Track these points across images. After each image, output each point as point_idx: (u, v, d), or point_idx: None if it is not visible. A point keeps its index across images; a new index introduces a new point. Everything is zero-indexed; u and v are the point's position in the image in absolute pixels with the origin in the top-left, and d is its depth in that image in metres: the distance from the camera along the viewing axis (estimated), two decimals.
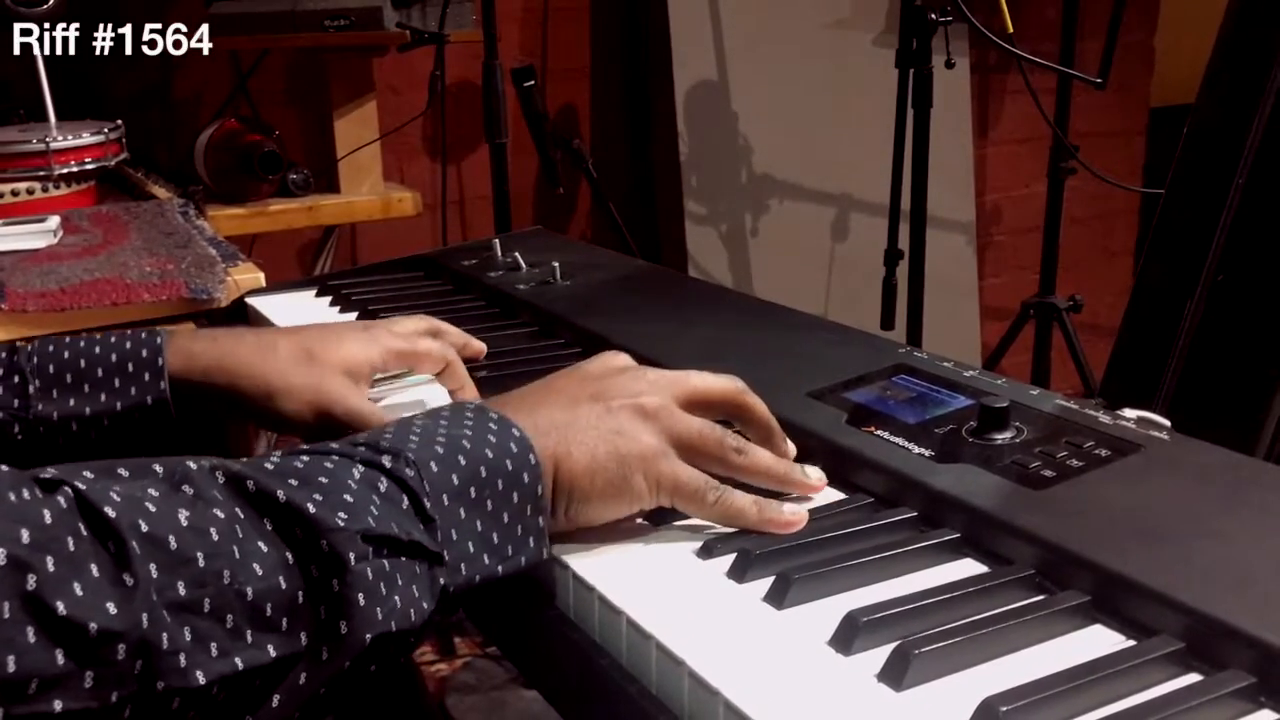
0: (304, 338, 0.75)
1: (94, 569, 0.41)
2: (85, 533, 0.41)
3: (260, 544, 0.45)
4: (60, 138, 1.44)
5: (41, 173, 1.42)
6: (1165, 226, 0.74)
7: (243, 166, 1.63)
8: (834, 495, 0.64)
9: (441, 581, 0.49)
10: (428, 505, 0.49)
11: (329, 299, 1.08)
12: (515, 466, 0.53)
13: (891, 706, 0.45)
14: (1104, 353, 1.00)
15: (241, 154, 1.62)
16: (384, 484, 0.49)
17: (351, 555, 0.46)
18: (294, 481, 0.47)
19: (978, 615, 0.49)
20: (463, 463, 0.52)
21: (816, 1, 2.43)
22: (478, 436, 0.53)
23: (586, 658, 0.53)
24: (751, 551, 0.55)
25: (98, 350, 0.73)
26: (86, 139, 1.46)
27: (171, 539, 0.43)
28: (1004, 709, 0.42)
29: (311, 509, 0.46)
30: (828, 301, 2.52)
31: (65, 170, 1.44)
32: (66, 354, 0.72)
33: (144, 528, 0.42)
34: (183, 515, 0.44)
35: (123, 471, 0.45)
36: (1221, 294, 0.68)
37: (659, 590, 0.53)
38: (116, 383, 0.72)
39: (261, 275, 1.15)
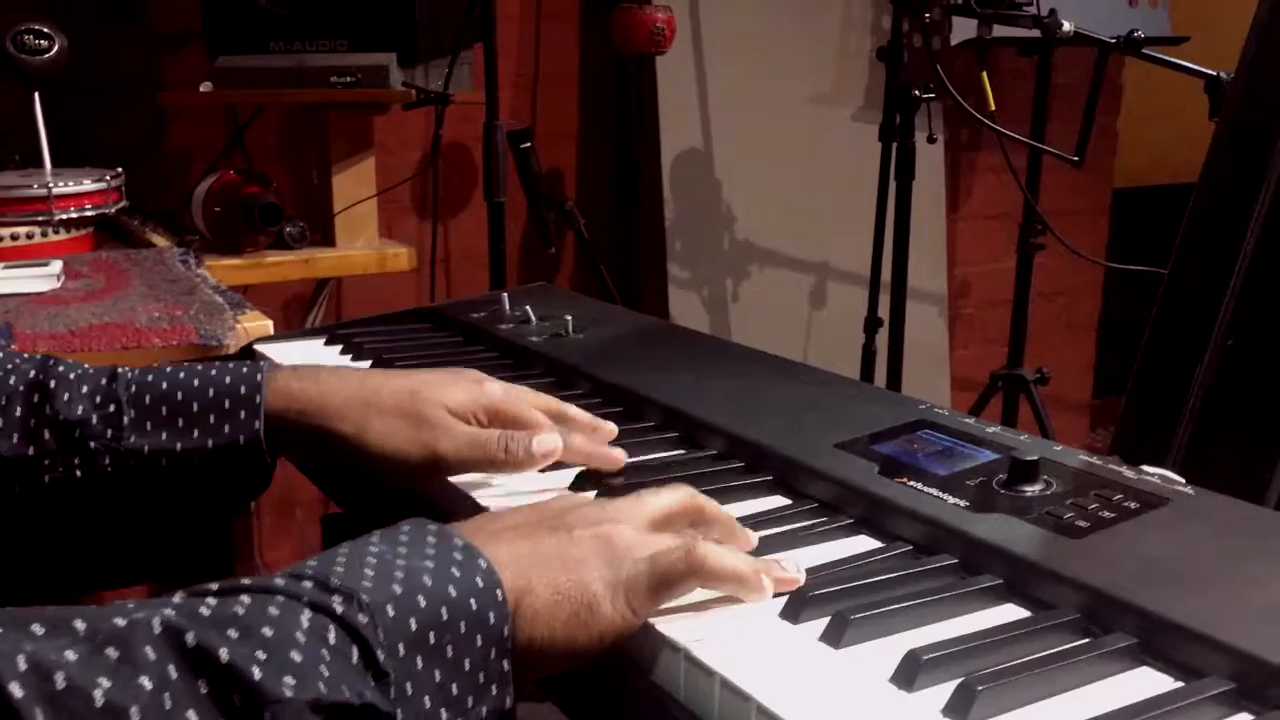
0: (408, 390, 0.72)
1: None
2: None
3: (191, 715, 0.40)
4: (62, 184, 1.44)
5: (41, 218, 1.43)
6: (1174, 291, 0.77)
7: (243, 217, 1.63)
8: (871, 544, 0.66)
9: None
10: (381, 658, 0.45)
11: (340, 347, 1.09)
12: (480, 606, 0.48)
13: None
14: (1069, 424, 1.02)
15: (242, 205, 1.63)
16: (333, 634, 0.44)
17: None
18: (234, 633, 0.42)
19: (1032, 655, 0.51)
20: (422, 604, 0.47)
21: (799, 77, 2.50)
22: (440, 569, 0.48)
23: (645, 697, 0.53)
24: (806, 593, 0.56)
25: (197, 383, 0.71)
26: (88, 185, 1.47)
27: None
28: None
29: (256, 673, 0.41)
30: None
31: (65, 216, 1.44)
32: (165, 385, 0.71)
33: (49, 712, 0.37)
34: (100, 689, 0.38)
35: (37, 628, 0.40)
36: (1232, 359, 0.72)
37: (712, 628, 0.54)
38: (211, 419, 0.70)
39: (270, 323, 1.16)
